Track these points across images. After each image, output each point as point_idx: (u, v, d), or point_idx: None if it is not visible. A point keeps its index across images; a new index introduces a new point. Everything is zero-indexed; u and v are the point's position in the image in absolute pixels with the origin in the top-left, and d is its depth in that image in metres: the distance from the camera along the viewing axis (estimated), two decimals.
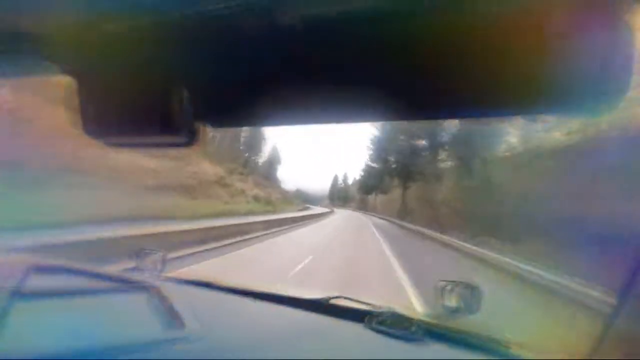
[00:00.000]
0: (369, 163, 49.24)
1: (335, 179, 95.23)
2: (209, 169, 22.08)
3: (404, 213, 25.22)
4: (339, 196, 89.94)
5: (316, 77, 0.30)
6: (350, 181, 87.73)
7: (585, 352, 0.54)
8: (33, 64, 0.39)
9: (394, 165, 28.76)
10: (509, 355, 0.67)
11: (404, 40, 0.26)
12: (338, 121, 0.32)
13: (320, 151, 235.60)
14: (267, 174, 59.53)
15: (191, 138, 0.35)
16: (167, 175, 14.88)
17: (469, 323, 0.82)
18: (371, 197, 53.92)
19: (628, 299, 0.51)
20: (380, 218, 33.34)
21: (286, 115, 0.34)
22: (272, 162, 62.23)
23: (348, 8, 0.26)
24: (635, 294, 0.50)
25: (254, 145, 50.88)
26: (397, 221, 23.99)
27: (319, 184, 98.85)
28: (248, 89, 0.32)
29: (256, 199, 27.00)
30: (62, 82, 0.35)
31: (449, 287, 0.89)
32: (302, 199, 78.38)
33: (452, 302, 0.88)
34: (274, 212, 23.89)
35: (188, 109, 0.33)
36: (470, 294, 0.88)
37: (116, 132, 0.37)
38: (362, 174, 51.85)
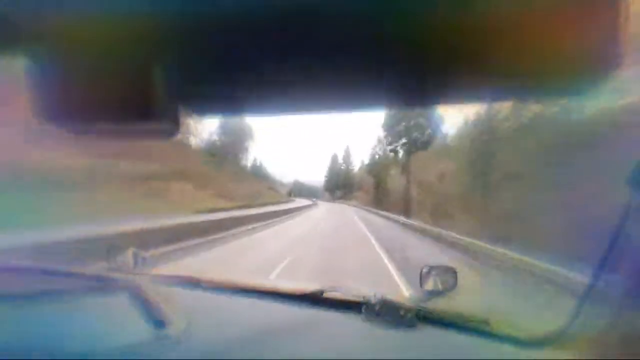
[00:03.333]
0: None
1: (334, 160, 68.65)
2: None
3: None
4: (337, 184, 65.59)
5: (309, 60, 0.26)
6: (353, 160, 65.28)
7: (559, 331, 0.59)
8: None
9: None
10: (497, 334, 0.70)
11: (402, 19, 0.24)
12: (338, 110, 0.30)
13: (319, 140, 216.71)
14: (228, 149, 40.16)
15: (174, 125, 0.30)
16: None
17: (451, 303, 0.90)
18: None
19: (599, 280, 0.53)
20: None
21: (279, 104, 0.30)
22: (230, 133, 42.51)
23: None
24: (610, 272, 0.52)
25: None
26: None
27: (320, 176, 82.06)
28: (235, 73, 0.28)
29: None
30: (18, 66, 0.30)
31: (426, 271, 0.99)
32: (297, 192, 77.22)
33: (430, 285, 0.97)
34: None
35: (167, 92, 0.28)
36: (446, 274, 0.99)
37: (82, 119, 0.32)
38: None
